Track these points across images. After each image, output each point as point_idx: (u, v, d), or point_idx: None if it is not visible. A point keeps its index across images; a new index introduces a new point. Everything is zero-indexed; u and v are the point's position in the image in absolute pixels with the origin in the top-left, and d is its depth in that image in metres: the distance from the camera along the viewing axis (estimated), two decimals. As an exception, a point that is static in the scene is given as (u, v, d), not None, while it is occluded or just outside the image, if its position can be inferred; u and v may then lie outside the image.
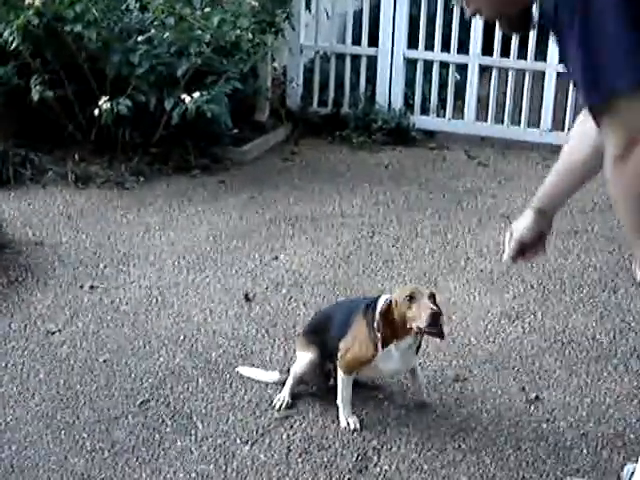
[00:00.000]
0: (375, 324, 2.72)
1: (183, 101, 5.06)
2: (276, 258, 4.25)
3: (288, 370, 3.05)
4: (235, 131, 5.79)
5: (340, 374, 2.86)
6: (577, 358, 3.37)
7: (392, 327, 2.69)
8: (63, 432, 2.82)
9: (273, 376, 3.11)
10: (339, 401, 2.88)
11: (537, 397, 3.09)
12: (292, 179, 5.51)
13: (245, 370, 3.17)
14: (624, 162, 1.63)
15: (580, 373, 3.26)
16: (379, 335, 2.70)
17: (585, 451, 2.79)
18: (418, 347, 2.87)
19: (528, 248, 2.37)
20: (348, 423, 2.86)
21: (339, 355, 2.83)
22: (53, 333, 3.46)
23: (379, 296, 2.83)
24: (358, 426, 2.86)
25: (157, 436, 2.81)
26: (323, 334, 2.94)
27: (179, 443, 2.78)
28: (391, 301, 2.69)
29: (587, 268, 4.20)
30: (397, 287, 2.76)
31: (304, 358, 2.97)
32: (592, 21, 1.57)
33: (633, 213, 1.73)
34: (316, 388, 3.05)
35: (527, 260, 2.45)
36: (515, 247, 2.36)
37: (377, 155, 6.07)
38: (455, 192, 5.34)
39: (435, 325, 2.62)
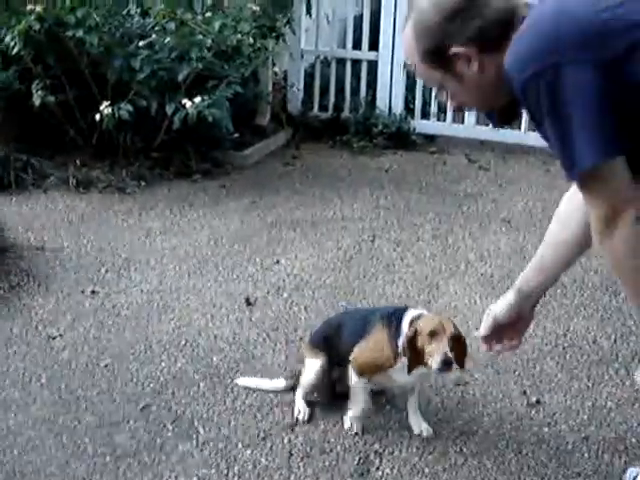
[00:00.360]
0: (401, 346, 2.68)
1: (184, 106, 5.08)
2: (277, 262, 4.26)
3: (292, 376, 3.04)
4: (236, 135, 5.80)
5: (353, 377, 2.83)
6: (578, 362, 3.37)
7: (415, 354, 2.65)
8: (65, 437, 2.82)
9: (279, 383, 3.08)
10: (351, 403, 2.85)
11: (538, 401, 3.09)
12: (293, 183, 5.52)
13: (248, 381, 3.13)
14: (610, 232, 1.72)
15: (581, 377, 3.26)
16: (406, 359, 2.66)
17: (586, 455, 2.79)
18: None
19: (505, 330, 2.32)
20: (351, 425, 2.85)
21: (352, 357, 2.80)
22: (54, 338, 3.46)
23: (406, 307, 2.81)
24: (360, 430, 2.85)
25: (159, 440, 2.81)
26: (332, 342, 2.91)
27: (181, 447, 2.78)
28: (417, 329, 2.65)
29: (588, 272, 4.20)
30: (426, 315, 2.71)
31: (314, 365, 2.93)
32: (555, 113, 1.68)
33: (628, 275, 1.79)
34: (321, 395, 3.01)
35: (501, 352, 2.42)
36: (490, 325, 2.31)
37: (378, 159, 6.08)
38: (456, 196, 5.34)
39: (447, 369, 2.60)
